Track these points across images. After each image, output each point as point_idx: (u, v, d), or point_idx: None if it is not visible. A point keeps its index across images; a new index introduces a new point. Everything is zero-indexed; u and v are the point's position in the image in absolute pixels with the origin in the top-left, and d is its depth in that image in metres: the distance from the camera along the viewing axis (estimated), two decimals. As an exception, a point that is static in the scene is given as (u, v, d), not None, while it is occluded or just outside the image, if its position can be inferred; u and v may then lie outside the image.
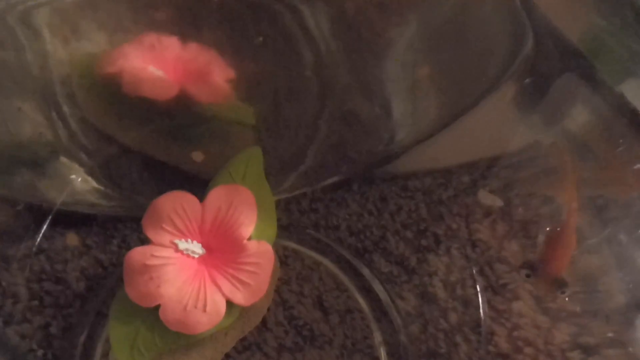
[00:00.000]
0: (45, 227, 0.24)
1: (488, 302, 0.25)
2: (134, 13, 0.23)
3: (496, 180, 0.26)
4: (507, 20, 0.23)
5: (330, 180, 0.27)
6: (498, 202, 0.24)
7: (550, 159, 0.25)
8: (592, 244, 0.23)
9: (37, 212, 0.24)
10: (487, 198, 0.25)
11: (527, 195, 0.26)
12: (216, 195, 0.20)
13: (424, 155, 0.27)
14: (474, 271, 0.25)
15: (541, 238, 0.24)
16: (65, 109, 0.23)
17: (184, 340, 0.19)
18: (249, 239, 0.20)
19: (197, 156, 0.24)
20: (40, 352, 0.24)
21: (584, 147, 0.23)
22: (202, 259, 0.20)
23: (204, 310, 0.19)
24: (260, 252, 0.20)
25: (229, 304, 0.19)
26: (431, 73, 0.25)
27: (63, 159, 0.24)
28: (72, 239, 0.25)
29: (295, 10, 0.23)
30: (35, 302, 0.24)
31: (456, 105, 0.25)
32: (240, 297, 0.19)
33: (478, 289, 0.25)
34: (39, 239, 0.24)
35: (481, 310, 0.24)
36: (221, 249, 0.20)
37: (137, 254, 0.19)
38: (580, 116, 0.23)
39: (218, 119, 0.24)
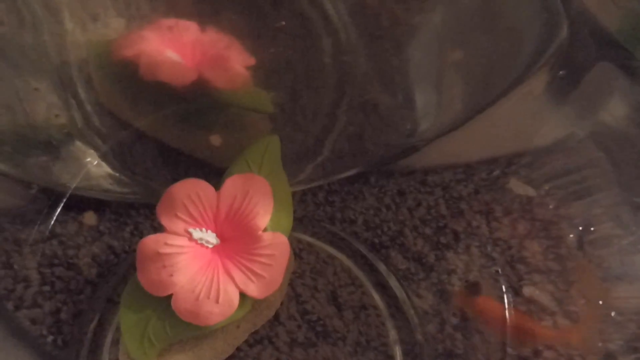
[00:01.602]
0: (58, 211, 0.24)
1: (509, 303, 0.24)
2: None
3: (519, 177, 0.25)
4: (540, 5, 0.22)
5: (347, 173, 0.27)
6: (531, 192, 0.23)
7: (578, 155, 0.24)
8: (629, 243, 0.22)
9: (50, 196, 0.24)
10: (520, 187, 0.24)
11: (550, 194, 0.25)
12: (232, 183, 0.19)
13: (444, 149, 0.27)
14: (499, 271, 0.24)
15: (571, 240, 0.23)
16: (81, 91, 0.23)
17: (195, 331, 0.19)
18: (265, 230, 0.19)
19: (215, 140, 0.23)
20: (50, 338, 0.23)
21: (621, 141, 0.22)
22: (216, 248, 0.19)
23: (217, 301, 0.18)
24: (275, 244, 0.19)
25: (242, 295, 0.19)
26: (457, 62, 0.24)
27: (78, 143, 0.24)
28: (89, 217, 0.24)
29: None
30: (47, 287, 0.24)
31: (483, 96, 0.24)
32: (254, 289, 0.19)
33: (504, 289, 0.24)
34: (52, 223, 0.24)
35: (506, 311, 0.24)
36: (236, 239, 0.19)
37: (151, 241, 0.19)
38: (617, 109, 0.22)
39: (235, 106, 0.24)
